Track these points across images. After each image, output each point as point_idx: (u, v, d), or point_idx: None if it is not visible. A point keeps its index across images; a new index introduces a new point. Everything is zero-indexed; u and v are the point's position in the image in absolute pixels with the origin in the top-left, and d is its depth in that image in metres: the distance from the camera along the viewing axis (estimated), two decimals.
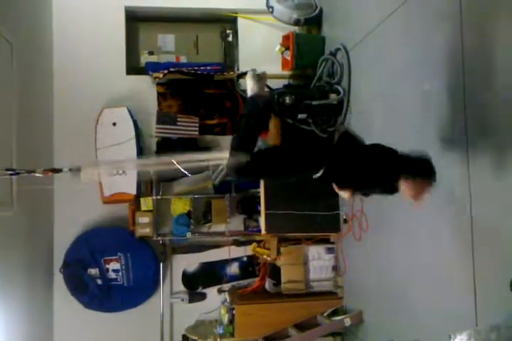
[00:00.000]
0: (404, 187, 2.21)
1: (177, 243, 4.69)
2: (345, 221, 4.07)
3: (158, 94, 4.60)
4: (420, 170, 2.22)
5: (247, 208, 4.68)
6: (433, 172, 2.22)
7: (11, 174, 2.60)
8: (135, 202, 4.50)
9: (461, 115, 2.43)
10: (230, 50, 5.20)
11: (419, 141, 2.82)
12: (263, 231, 4.27)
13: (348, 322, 3.80)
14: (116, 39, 4.85)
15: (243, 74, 4.53)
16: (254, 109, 2.55)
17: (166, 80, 4.59)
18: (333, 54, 4.18)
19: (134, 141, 4.43)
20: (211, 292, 4.74)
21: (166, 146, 4.61)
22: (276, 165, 2.49)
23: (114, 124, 4.45)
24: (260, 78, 2.54)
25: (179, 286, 4.74)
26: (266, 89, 2.59)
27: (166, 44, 5.14)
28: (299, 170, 2.50)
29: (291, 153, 2.51)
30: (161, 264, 4.61)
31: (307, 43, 4.52)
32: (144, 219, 4.47)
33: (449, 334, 1.94)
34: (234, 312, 4.21)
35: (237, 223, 4.70)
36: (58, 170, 2.58)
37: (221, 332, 4.32)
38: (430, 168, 2.22)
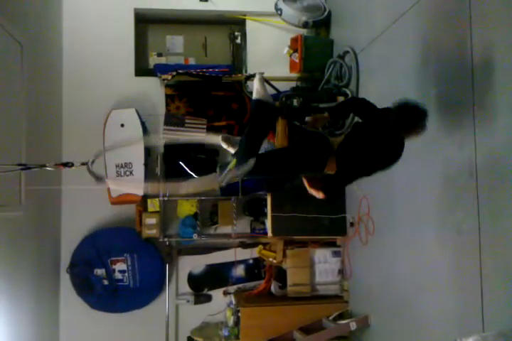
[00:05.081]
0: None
1: (183, 244, 4.70)
2: (352, 224, 4.06)
3: (167, 95, 4.62)
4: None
5: (254, 210, 4.68)
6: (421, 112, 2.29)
7: (22, 169, 2.61)
8: (142, 203, 4.51)
9: (469, 115, 2.41)
10: (239, 52, 5.21)
11: (426, 143, 2.81)
12: (269, 234, 4.27)
13: (353, 326, 3.78)
14: (126, 40, 4.87)
15: (251, 77, 4.54)
16: (259, 112, 2.65)
17: (175, 82, 4.60)
18: (342, 57, 4.18)
19: (141, 142, 4.45)
20: (217, 294, 4.73)
21: (173, 148, 4.62)
22: (282, 162, 2.57)
23: (123, 125, 4.46)
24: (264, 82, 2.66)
25: (185, 288, 4.74)
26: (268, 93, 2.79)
27: (175, 46, 5.16)
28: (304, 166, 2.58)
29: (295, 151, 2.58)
30: (167, 265, 4.62)
31: (315, 46, 4.52)
32: (150, 221, 4.48)
33: (455, 339, 1.93)
34: (239, 314, 4.21)
35: (243, 225, 4.70)
36: (69, 164, 2.57)
37: (226, 334, 4.32)
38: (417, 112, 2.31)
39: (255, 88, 2.69)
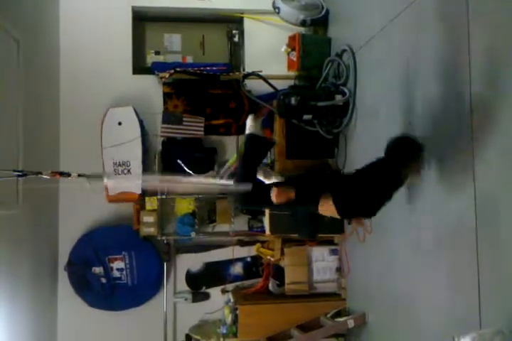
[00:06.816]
0: None
1: (181, 242, 4.70)
2: (349, 222, 4.06)
3: (164, 93, 4.61)
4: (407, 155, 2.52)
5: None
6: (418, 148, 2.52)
7: (18, 175, 2.60)
8: (140, 201, 4.51)
9: (467, 118, 2.42)
10: (236, 50, 5.21)
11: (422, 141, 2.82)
12: (267, 232, 4.27)
13: (351, 323, 3.79)
14: (123, 38, 4.86)
15: (249, 75, 4.54)
16: (253, 145, 2.83)
17: (172, 80, 4.60)
18: (339, 55, 4.18)
19: (139, 141, 4.44)
20: (215, 292, 4.74)
21: (171, 146, 4.62)
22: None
23: (120, 124, 4.46)
24: (258, 120, 2.85)
25: (183, 286, 4.75)
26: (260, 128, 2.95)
27: (173, 44, 5.14)
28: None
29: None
30: (165, 264, 4.62)
31: (313, 44, 4.51)
32: (148, 219, 4.48)
33: (452, 336, 1.94)
34: (237, 312, 4.22)
35: (241, 223, 4.70)
36: (66, 174, 2.56)
37: (224, 332, 4.33)
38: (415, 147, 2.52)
39: (248, 124, 2.86)
